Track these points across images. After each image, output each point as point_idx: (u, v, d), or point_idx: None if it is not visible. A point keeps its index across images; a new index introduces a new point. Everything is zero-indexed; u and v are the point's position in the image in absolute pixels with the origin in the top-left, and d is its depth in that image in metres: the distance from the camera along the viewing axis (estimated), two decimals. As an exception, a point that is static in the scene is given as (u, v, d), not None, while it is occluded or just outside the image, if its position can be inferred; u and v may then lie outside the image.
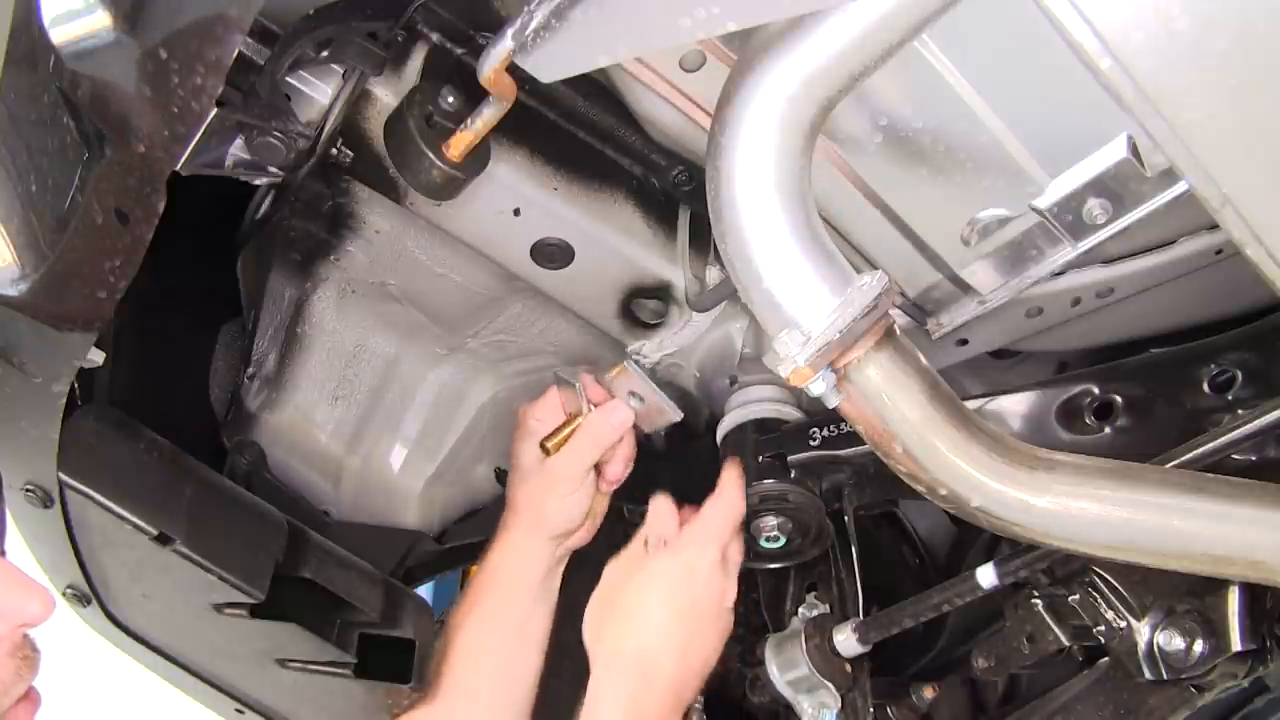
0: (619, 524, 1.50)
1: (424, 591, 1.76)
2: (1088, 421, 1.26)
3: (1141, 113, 0.69)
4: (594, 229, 1.33)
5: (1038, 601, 1.24)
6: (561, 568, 1.43)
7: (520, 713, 1.38)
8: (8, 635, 0.93)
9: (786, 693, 1.39)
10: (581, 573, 1.42)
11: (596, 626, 1.25)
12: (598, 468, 1.38)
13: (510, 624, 1.39)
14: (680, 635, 1.22)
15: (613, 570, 1.28)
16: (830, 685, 1.36)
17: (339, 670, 1.22)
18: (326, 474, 1.61)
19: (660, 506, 1.31)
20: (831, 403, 0.91)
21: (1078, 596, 1.20)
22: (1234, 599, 1.14)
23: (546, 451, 1.34)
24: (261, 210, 1.46)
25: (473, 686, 1.36)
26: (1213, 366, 1.18)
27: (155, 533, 1.07)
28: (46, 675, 0.99)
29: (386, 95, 1.18)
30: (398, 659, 1.26)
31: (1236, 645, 1.13)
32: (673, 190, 1.34)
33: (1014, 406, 1.30)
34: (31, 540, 1.19)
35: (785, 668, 1.39)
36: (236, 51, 0.78)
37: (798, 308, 0.86)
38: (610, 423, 1.34)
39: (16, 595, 0.93)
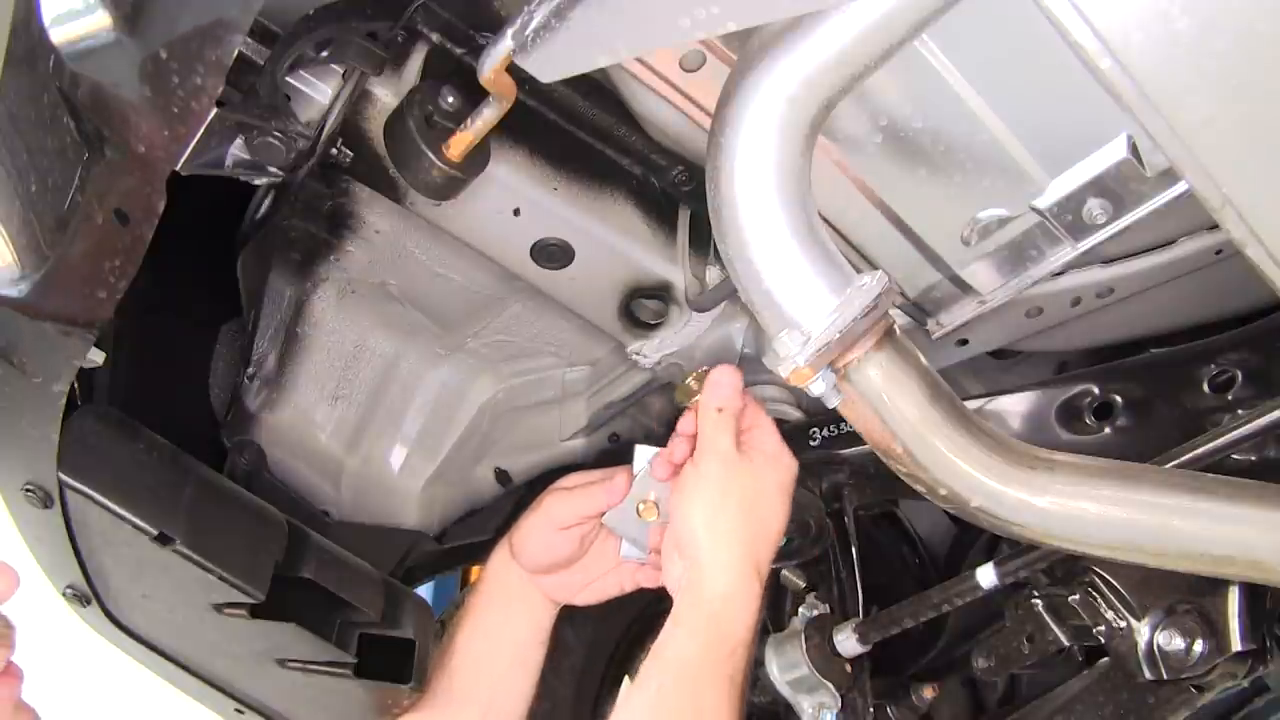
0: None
1: (424, 591, 1.76)
2: (1088, 421, 1.26)
3: (1141, 113, 0.69)
4: (594, 229, 1.33)
5: (1038, 601, 1.24)
6: (543, 606, 1.39)
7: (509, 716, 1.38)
8: None
9: (786, 693, 1.39)
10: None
11: (711, 524, 1.15)
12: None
13: (488, 631, 1.38)
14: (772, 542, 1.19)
15: (729, 471, 1.17)
16: (830, 685, 1.36)
17: (339, 670, 1.22)
18: (326, 474, 1.61)
19: (730, 379, 1.20)
20: (831, 403, 0.92)
21: (1078, 596, 1.20)
22: (1234, 599, 1.14)
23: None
24: (261, 210, 1.46)
25: (449, 688, 1.35)
26: (1213, 366, 1.18)
27: (155, 533, 1.07)
28: (46, 675, 0.99)
29: (386, 95, 1.18)
30: (398, 659, 1.25)
31: (1236, 645, 1.13)
32: (673, 190, 1.34)
33: (1014, 406, 1.30)
34: (31, 540, 1.19)
35: (785, 668, 1.39)
36: (236, 51, 0.78)
37: (798, 308, 0.86)
38: (605, 495, 1.30)
39: None
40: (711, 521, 1.16)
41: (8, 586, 0.94)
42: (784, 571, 1.41)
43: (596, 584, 1.38)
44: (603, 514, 1.31)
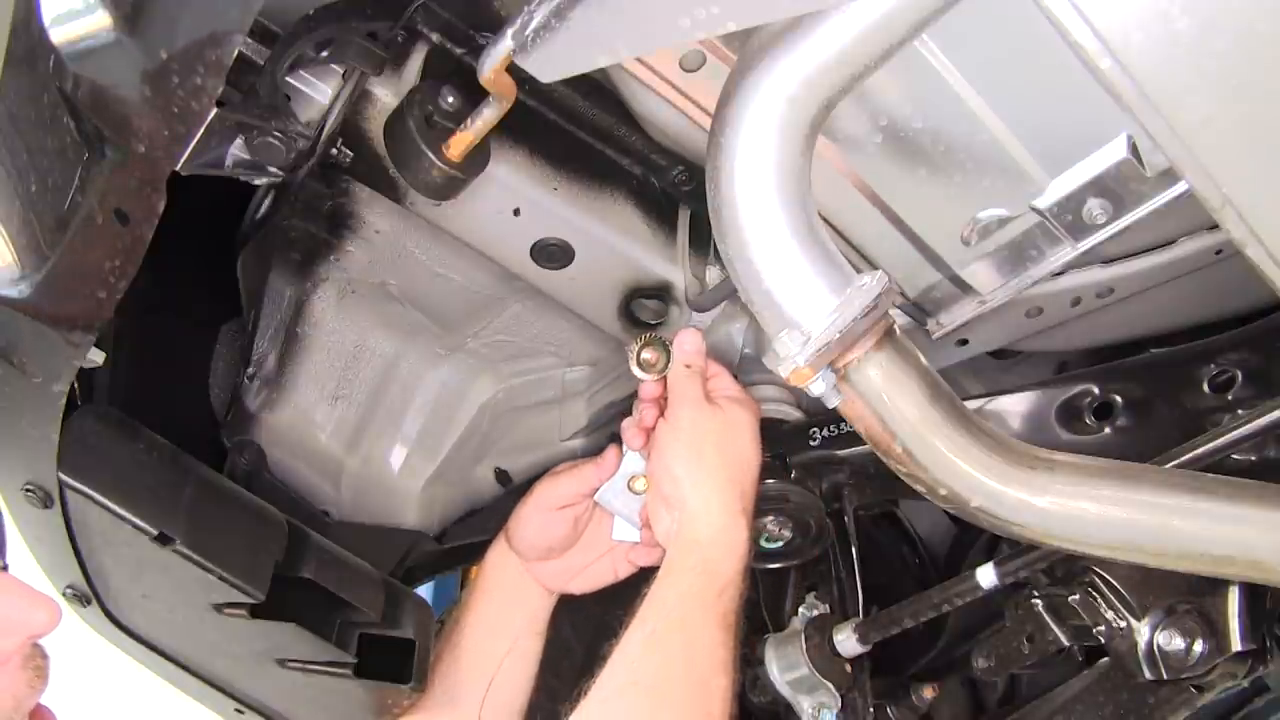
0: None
1: (424, 591, 1.76)
2: (1088, 421, 1.26)
3: (1141, 113, 0.69)
4: (594, 229, 1.33)
5: (1038, 601, 1.24)
6: (539, 597, 1.42)
7: (497, 712, 1.39)
8: (17, 649, 0.93)
9: (786, 693, 1.39)
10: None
11: (693, 469, 1.19)
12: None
13: (485, 626, 1.41)
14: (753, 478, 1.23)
15: (700, 418, 1.22)
16: (830, 685, 1.36)
17: (339, 670, 1.22)
18: (326, 474, 1.61)
19: (694, 340, 1.27)
20: (831, 403, 0.92)
21: (1078, 596, 1.20)
22: (1234, 599, 1.14)
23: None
24: (261, 210, 1.46)
25: (447, 686, 1.37)
26: (1213, 366, 1.18)
27: (155, 533, 1.07)
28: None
29: (386, 95, 1.18)
30: (398, 659, 1.26)
31: (1236, 645, 1.13)
32: (673, 190, 1.34)
33: (1014, 406, 1.30)
34: (31, 540, 1.19)
35: (785, 668, 1.39)
36: (236, 51, 0.78)
37: (798, 308, 0.86)
38: (595, 471, 1.34)
39: (23, 608, 0.93)
40: (692, 467, 1.19)
41: (49, 620, 0.94)
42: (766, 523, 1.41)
43: (591, 569, 1.41)
44: (594, 491, 1.34)
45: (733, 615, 1.14)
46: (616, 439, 1.57)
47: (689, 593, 1.14)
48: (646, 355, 1.27)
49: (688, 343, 1.26)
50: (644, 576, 1.35)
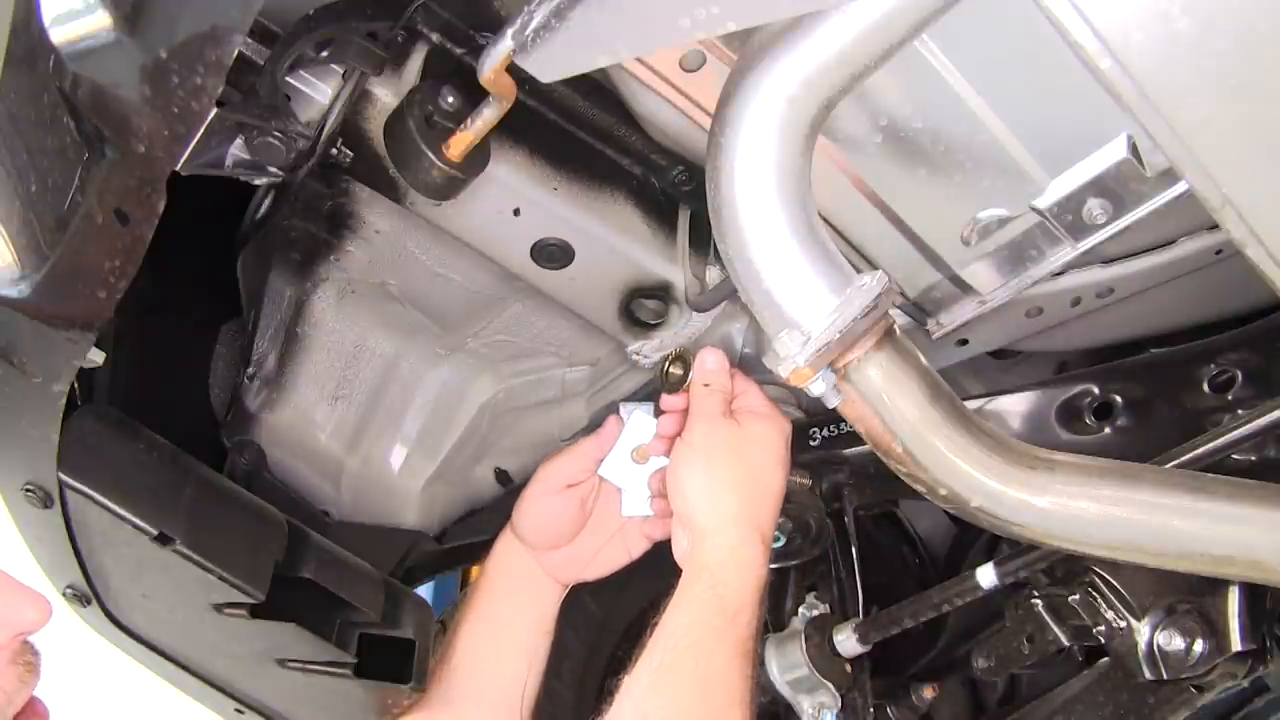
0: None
1: (424, 591, 1.76)
2: (1088, 421, 1.26)
3: (1141, 113, 0.69)
4: (594, 229, 1.33)
5: (1038, 601, 1.24)
6: (549, 590, 1.40)
7: (508, 714, 1.37)
8: (7, 644, 0.93)
9: (786, 693, 1.39)
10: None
11: (703, 486, 1.17)
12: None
13: (492, 623, 1.39)
14: (772, 499, 1.19)
15: (714, 432, 1.20)
16: (830, 685, 1.37)
17: (339, 670, 1.22)
18: (326, 474, 1.61)
19: (715, 358, 1.25)
20: (831, 403, 0.92)
21: (1078, 596, 1.20)
22: (1234, 599, 1.14)
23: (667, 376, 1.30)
24: (261, 210, 1.46)
25: (452, 686, 1.35)
26: (1213, 366, 1.18)
27: (155, 533, 1.07)
28: (47, 674, 0.99)
29: (386, 95, 1.18)
30: (398, 659, 1.26)
31: (1236, 645, 1.13)
32: (673, 190, 1.34)
33: (1014, 406, 1.30)
34: (31, 540, 1.19)
35: (785, 668, 1.39)
36: (236, 51, 0.78)
37: (798, 308, 0.86)
38: (596, 444, 1.33)
39: (13, 604, 0.92)
40: (705, 487, 1.17)
41: (39, 616, 0.93)
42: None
43: (604, 553, 1.38)
44: (597, 465, 1.33)
45: (750, 641, 1.10)
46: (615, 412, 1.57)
47: (698, 621, 1.09)
48: (673, 369, 1.27)
49: (708, 361, 1.25)
50: (656, 575, 1.33)
